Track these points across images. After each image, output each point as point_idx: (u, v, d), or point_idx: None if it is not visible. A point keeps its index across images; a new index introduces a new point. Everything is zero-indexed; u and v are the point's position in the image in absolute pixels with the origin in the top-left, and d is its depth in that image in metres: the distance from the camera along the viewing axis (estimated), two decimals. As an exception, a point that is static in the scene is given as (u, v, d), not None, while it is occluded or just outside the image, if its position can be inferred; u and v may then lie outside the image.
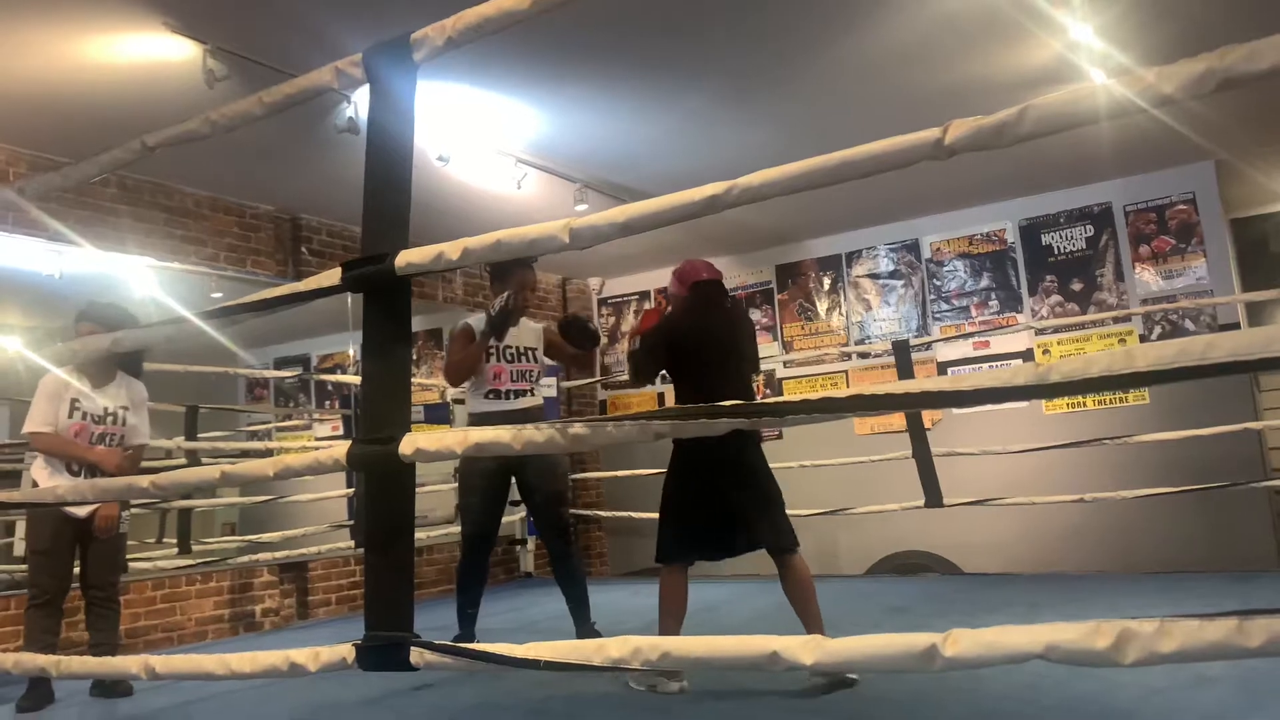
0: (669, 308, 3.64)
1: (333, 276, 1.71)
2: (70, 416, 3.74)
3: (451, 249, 1.59)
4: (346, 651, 1.63)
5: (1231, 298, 6.15)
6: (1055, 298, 6.80)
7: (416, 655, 1.57)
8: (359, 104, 4.33)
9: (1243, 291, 6.49)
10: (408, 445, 1.60)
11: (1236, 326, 6.38)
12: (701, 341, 3.42)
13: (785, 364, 7.64)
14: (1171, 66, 1.05)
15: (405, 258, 1.64)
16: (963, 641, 1.17)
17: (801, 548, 3.32)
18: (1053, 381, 1.09)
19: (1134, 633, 1.07)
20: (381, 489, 1.66)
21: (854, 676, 3.08)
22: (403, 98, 1.74)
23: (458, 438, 1.58)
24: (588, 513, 7.79)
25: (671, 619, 3.28)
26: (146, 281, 5.44)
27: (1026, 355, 6.80)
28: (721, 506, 3.29)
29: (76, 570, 3.84)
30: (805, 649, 1.25)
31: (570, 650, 1.46)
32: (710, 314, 3.48)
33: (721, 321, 3.49)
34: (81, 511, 3.70)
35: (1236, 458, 5.78)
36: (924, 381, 1.19)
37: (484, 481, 3.87)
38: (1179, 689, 2.71)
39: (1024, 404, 6.57)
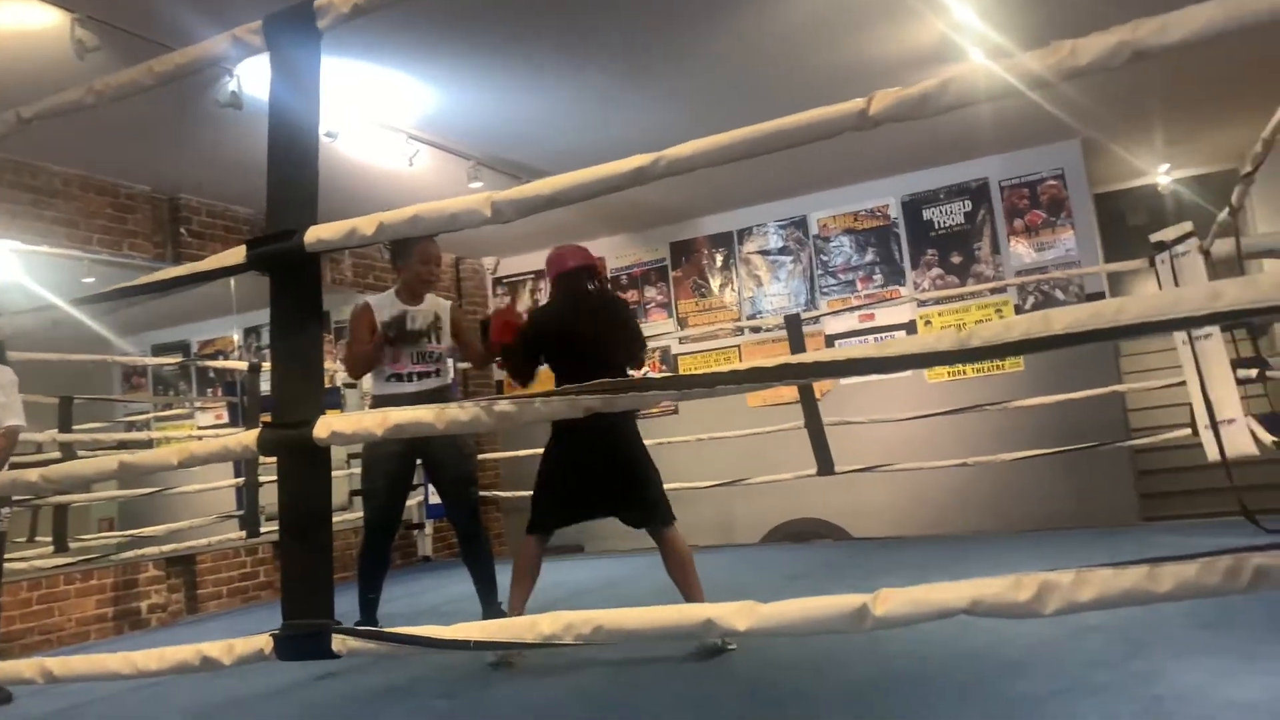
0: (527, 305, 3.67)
1: (237, 255, 1.64)
2: None
3: (365, 224, 1.54)
4: (263, 642, 1.58)
5: (1096, 268, 6.50)
6: (936, 270, 7.05)
7: (339, 642, 1.53)
8: (241, 77, 4.15)
9: (1106, 262, 6.86)
10: (322, 428, 1.55)
11: (1101, 295, 6.74)
12: (561, 335, 3.44)
13: (680, 340, 7.72)
14: (1087, 39, 1.09)
15: (315, 234, 1.58)
16: (891, 600, 1.21)
17: (681, 520, 3.41)
18: (974, 346, 1.13)
19: (1054, 584, 1.12)
20: (296, 474, 1.60)
21: (732, 645, 3.20)
22: (306, 68, 1.67)
23: (376, 419, 1.54)
24: (486, 493, 7.72)
25: (521, 590, 3.34)
26: (11, 266, 5.11)
27: (910, 327, 7.04)
28: (581, 476, 3.35)
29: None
30: (739, 615, 1.28)
31: (500, 629, 1.45)
32: (570, 305, 3.50)
33: (582, 312, 3.49)
34: None
35: (1102, 420, 6.14)
36: (851, 350, 1.22)
37: (389, 465, 3.77)
38: (1064, 638, 2.86)
39: (908, 373, 6.80)
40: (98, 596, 5.17)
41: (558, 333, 3.44)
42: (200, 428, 7.50)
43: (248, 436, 1.62)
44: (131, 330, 7.31)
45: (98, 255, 5.42)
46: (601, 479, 3.34)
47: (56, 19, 3.66)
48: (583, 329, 3.43)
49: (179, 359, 7.30)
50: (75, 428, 5.76)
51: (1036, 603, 1.12)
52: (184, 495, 6.25)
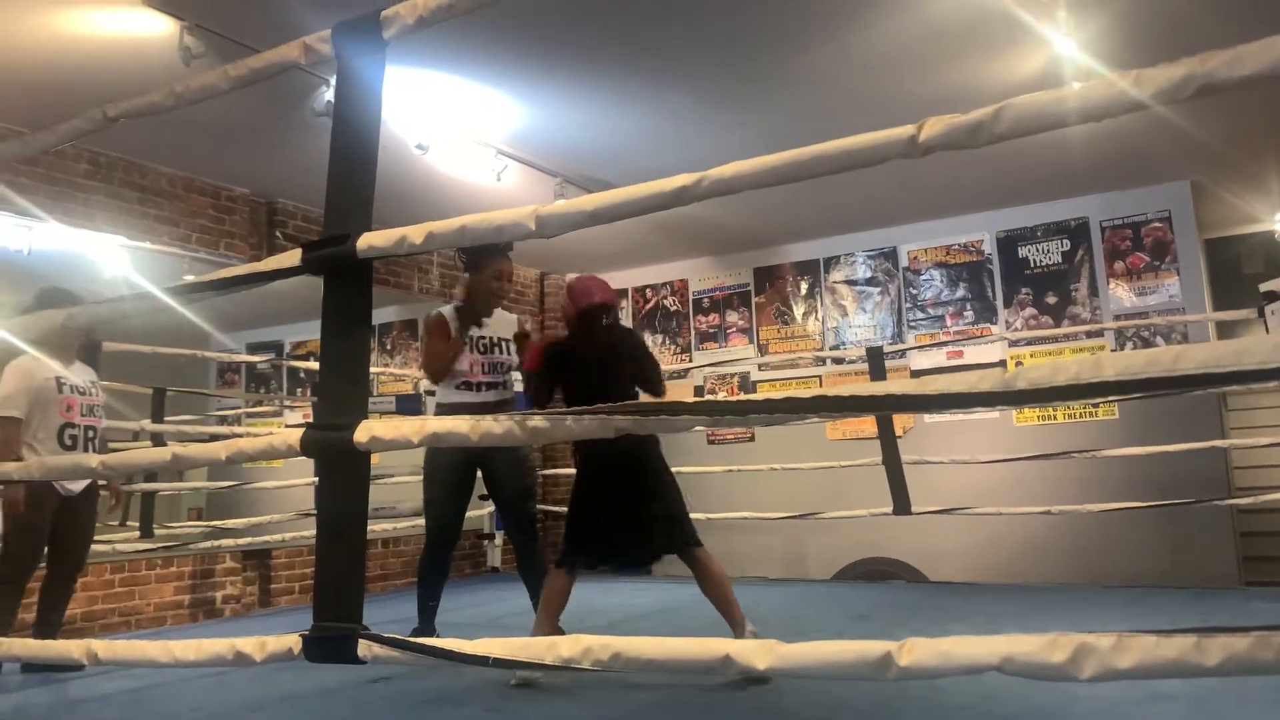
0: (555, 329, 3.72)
1: (293, 257, 1.67)
2: (61, 391, 3.79)
3: (415, 233, 1.55)
4: (293, 642, 1.59)
5: (1203, 316, 6.19)
6: (1029, 310, 6.83)
7: (365, 648, 1.54)
8: (337, 87, 4.27)
9: (1214, 311, 6.54)
10: (363, 433, 1.56)
11: (1207, 345, 6.42)
12: (574, 368, 3.50)
13: (760, 367, 7.64)
14: (1151, 70, 1.03)
15: (367, 240, 1.60)
16: (918, 651, 1.15)
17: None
18: (1019, 389, 1.07)
19: (1091, 647, 1.05)
20: (335, 477, 1.61)
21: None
22: (371, 76, 1.70)
23: (414, 426, 1.55)
24: (558, 509, 7.74)
25: (548, 621, 3.31)
26: (118, 261, 5.36)
27: (1000, 366, 6.82)
28: (616, 512, 3.34)
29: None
30: (758, 654, 1.23)
31: (521, 648, 1.42)
32: (586, 339, 3.54)
33: (592, 345, 3.55)
34: (75, 487, 3.73)
35: (1202, 475, 5.83)
36: (889, 384, 1.17)
37: (449, 475, 3.83)
38: (1134, 704, 2.71)
39: (995, 414, 6.60)
40: (176, 584, 5.33)
41: (566, 363, 3.51)
42: (288, 425, 7.71)
43: (292, 436, 1.64)
44: (230, 328, 7.57)
45: (197, 254, 5.64)
46: (621, 508, 3.34)
47: (167, 26, 3.82)
48: (590, 360, 3.49)
49: (270, 358, 7.52)
50: (169, 419, 5.97)
51: (1072, 665, 1.05)
52: (271, 490, 6.42)
